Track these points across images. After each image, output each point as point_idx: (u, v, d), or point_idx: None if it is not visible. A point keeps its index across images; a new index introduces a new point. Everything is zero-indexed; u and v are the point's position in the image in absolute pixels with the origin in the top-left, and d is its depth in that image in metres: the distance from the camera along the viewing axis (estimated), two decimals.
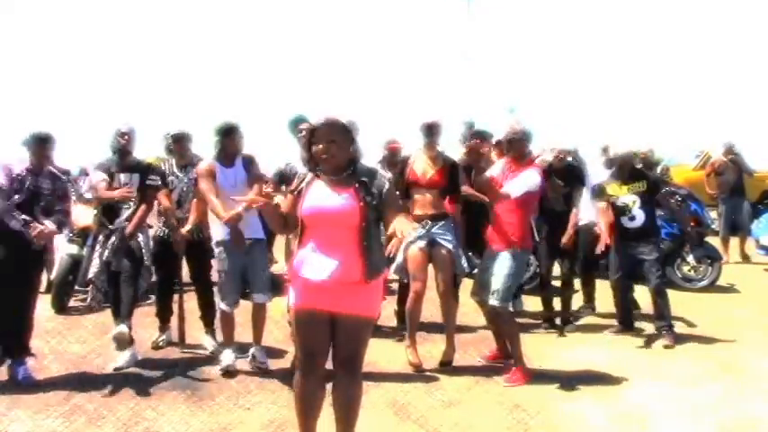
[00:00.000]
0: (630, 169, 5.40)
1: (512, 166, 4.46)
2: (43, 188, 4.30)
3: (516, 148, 4.48)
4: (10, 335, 4.24)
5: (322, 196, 2.80)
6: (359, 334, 2.89)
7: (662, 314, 5.23)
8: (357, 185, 2.80)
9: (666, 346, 5.09)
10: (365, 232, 2.78)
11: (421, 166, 4.68)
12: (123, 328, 4.45)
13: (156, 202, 4.80)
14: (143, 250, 4.63)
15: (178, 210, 4.91)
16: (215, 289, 4.82)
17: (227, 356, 4.47)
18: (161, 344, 5.00)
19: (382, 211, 2.85)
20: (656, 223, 5.48)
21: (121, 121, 4.79)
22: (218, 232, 4.44)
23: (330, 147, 2.77)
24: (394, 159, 5.41)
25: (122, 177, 4.61)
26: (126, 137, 4.64)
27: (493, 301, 4.36)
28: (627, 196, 5.29)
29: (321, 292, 2.80)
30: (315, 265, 2.80)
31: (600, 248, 5.42)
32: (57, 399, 4.02)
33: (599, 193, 5.44)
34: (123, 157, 4.67)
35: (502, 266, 4.34)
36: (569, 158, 5.72)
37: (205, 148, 4.85)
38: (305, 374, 2.88)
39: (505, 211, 4.37)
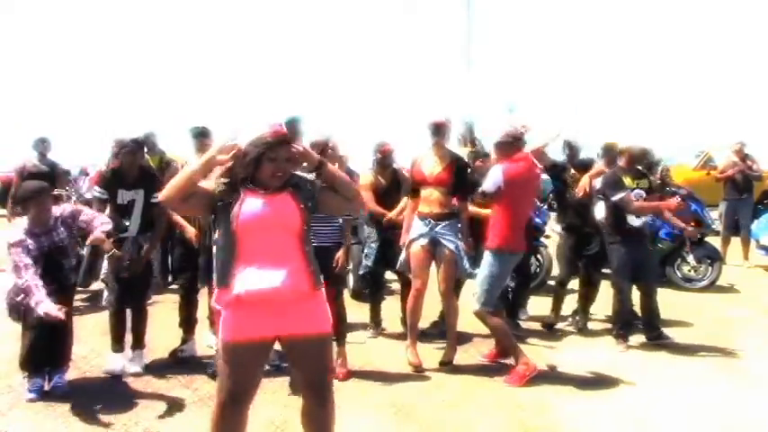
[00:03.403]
0: (635, 166, 5.25)
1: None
2: (62, 239, 4.04)
3: (502, 150, 4.51)
4: (55, 348, 4.17)
5: (258, 204, 2.58)
6: (320, 355, 2.67)
7: (653, 321, 5.18)
8: (291, 190, 2.65)
9: (665, 340, 5.12)
10: (306, 237, 2.65)
11: (429, 165, 4.66)
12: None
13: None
14: (153, 264, 4.61)
15: None
16: None
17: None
18: (181, 354, 4.74)
19: (321, 201, 2.71)
20: (653, 224, 5.37)
21: (117, 132, 4.59)
22: None
23: (287, 165, 2.64)
24: (385, 162, 5.38)
25: (126, 194, 4.47)
26: (130, 153, 4.42)
27: (474, 303, 4.40)
28: (638, 191, 5.14)
29: (266, 315, 2.54)
30: (261, 277, 2.52)
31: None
32: (57, 399, 4.02)
33: (618, 185, 5.10)
34: (127, 171, 4.49)
35: (483, 267, 4.41)
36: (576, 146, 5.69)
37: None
38: (230, 410, 2.62)
39: (492, 210, 4.47)
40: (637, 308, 5.35)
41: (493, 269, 4.37)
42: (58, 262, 4.07)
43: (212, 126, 4.80)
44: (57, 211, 4.08)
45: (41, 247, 3.97)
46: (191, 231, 4.64)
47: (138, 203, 4.48)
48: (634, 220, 5.12)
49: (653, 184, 5.34)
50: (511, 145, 4.46)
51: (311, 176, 2.77)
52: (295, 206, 2.62)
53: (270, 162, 2.59)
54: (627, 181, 5.17)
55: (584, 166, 5.63)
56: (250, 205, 2.58)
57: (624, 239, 5.15)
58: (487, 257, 4.41)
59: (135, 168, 4.52)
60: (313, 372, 2.67)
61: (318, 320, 2.65)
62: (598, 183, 5.44)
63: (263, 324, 2.55)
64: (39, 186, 4.05)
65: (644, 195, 5.16)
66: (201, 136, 4.71)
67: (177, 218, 4.65)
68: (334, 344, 4.50)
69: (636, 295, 5.27)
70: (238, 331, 2.55)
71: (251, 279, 2.53)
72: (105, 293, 4.66)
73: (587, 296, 5.71)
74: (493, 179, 4.38)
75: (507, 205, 4.40)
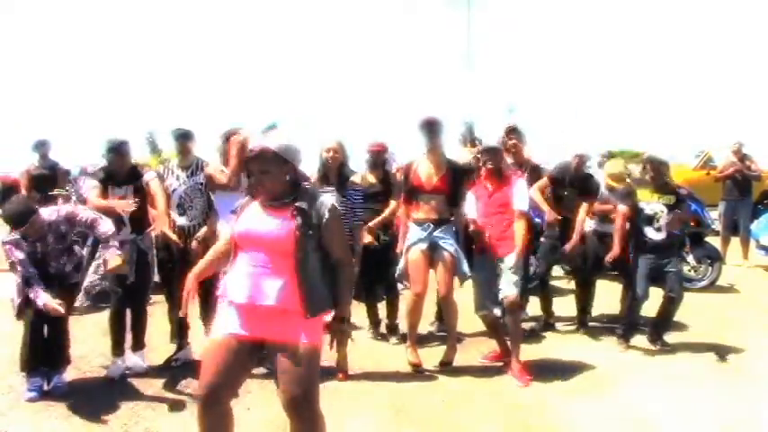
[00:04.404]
0: (664, 178, 5.16)
1: (492, 181, 4.57)
2: (56, 243, 4.04)
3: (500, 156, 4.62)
4: (53, 350, 4.17)
5: (255, 219, 2.61)
6: (305, 367, 2.49)
7: (663, 326, 5.15)
8: (294, 211, 2.55)
9: (664, 346, 5.10)
10: (302, 262, 2.52)
11: (425, 171, 4.60)
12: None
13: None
14: (150, 263, 4.59)
15: (182, 216, 4.62)
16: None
17: None
18: (175, 364, 4.66)
19: (324, 242, 2.60)
20: (681, 237, 5.23)
21: (114, 132, 4.61)
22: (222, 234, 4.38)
23: (262, 178, 2.58)
24: (377, 161, 5.36)
25: (117, 191, 4.47)
26: (118, 153, 4.48)
27: (513, 289, 4.40)
28: (656, 204, 5.05)
29: (250, 315, 2.54)
30: (244, 289, 2.55)
31: (609, 258, 5.16)
32: (57, 399, 4.03)
33: (626, 195, 5.20)
34: (117, 171, 4.53)
35: (516, 265, 4.43)
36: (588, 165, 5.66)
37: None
38: (208, 408, 2.53)
39: (512, 216, 4.50)
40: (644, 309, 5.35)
41: (522, 267, 4.57)
42: (53, 265, 4.06)
43: (202, 128, 4.81)
44: (50, 215, 4.03)
45: (35, 253, 3.98)
46: (171, 237, 4.55)
47: (128, 198, 4.44)
48: (653, 234, 5.04)
49: (681, 200, 5.12)
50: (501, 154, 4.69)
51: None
52: (290, 228, 2.54)
53: (250, 171, 2.68)
54: (644, 194, 5.11)
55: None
56: (247, 218, 2.64)
57: (642, 251, 5.09)
58: (518, 261, 4.44)
59: (125, 168, 4.55)
60: (293, 386, 2.51)
61: (305, 332, 2.53)
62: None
63: (246, 322, 2.56)
64: (21, 213, 3.86)
65: (664, 210, 5.01)
66: (183, 138, 4.71)
67: (159, 223, 4.53)
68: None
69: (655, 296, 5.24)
70: (224, 327, 2.59)
71: (235, 288, 2.58)
72: (81, 296, 4.61)
73: (581, 297, 5.69)
74: (527, 193, 4.67)
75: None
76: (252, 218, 2.63)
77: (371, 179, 5.32)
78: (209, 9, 43.27)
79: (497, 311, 4.51)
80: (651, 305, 5.23)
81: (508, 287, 4.40)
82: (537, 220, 6.57)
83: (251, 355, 2.64)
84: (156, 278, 5.18)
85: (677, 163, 11.99)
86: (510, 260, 4.41)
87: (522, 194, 4.54)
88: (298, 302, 2.53)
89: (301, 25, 43.51)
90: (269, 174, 2.58)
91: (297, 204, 2.58)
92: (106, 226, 4.07)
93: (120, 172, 4.54)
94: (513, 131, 5.40)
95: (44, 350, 4.09)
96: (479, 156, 4.83)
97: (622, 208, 5.16)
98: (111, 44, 41.67)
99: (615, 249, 5.14)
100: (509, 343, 4.60)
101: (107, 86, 36.91)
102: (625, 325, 5.21)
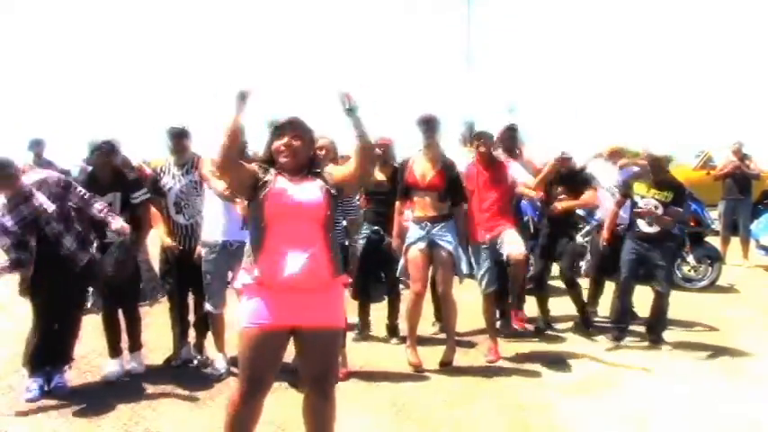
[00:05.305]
0: (662, 174, 5.13)
1: (484, 165, 4.70)
2: (42, 204, 3.91)
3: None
4: (58, 347, 4.15)
5: (288, 188, 2.67)
6: (329, 348, 2.71)
7: (658, 324, 5.16)
8: (320, 178, 2.75)
9: (664, 346, 5.10)
10: (329, 224, 2.70)
11: (420, 169, 4.60)
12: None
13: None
14: (142, 268, 4.53)
15: (179, 215, 4.54)
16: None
17: (221, 364, 4.47)
18: (175, 363, 4.68)
19: (340, 182, 2.78)
20: (674, 232, 5.23)
21: (101, 131, 4.50)
22: (209, 233, 4.36)
23: (293, 141, 2.72)
24: (384, 157, 5.25)
25: (102, 199, 4.32)
26: (100, 153, 4.36)
27: (519, 248, 4.48)
28: (651, 200, 5.06)
29: (285, 304, 2.59)
30: (283, 264, 2.59)
31: (602, 242, 5.42)
32: (57, 399, 4.02)
33: (624, 187, 5.31)
34: (100, 174, 4.43)
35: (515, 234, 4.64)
36: (571, 163, 5.62)
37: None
38: (247, 401, 2.63)
39: (507, 200, 4.72)
40: (639, 308, 5.35)
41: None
42: (48, 238, 3.95)
43: (201, 128, 4.74)
44: (41, 174, 4.00)
45: (23, 218, 3.88)
46: (167, 241, 4.53)
47: (115, 207, 4.37)
48: (644, 226, 5.07)
49: (679, 197, 5.09)
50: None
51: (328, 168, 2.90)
52: (321, 192, 2.69)
53: (277, 139, 2.73)
54: (641, 187, 5.12)
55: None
56: (279, 189, 2.66)
57: (632, 240, 5.14)
58: (515, 232, 4.62)
59: (108, 171, 4.42)
60: (319, 364, 2.69)
61: (333, 314, 2.71)
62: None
63: (281, 313, 2.60)
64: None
65: (658, 206, 5.01)
66: (179, 136, 4.56)
67: (157, 226, 4.55)
68: None
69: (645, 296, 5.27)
70: (257, 318, 2.60)
71: (274, 266, 2.59)
72: (90, 299, 4.59)
73: (594, 294, 5.71)
74: (521, 173, 4.77)
75: None
76: (283, 188, 2.66)
77: (380, 176, 5.22)
78: (209, 8, 43.28)
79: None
80: (645, 306, 5.24)
81: (512, 247, 4.47)
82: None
83: (284, 344, 2.69)
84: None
85: (677, 163, 12.02)
86: (509, 232, 4.54)
87: (521, 171, 4.76)
88: (326, 267, 2.64)
89: (301, 24, 43.53)
90: (301, 140, 2.74)
91: (317, 170, 2.78)
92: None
93: (102, 177, 4.41)
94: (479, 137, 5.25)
95: (52, 348, 4.08)
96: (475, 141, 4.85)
97: (616, 197, 5.41)
98: (112, 44, 41.68)
99: (604, 234, 5.42)
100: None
101: (108, 86, 36.92)
102: (615, 322, 5.24)
